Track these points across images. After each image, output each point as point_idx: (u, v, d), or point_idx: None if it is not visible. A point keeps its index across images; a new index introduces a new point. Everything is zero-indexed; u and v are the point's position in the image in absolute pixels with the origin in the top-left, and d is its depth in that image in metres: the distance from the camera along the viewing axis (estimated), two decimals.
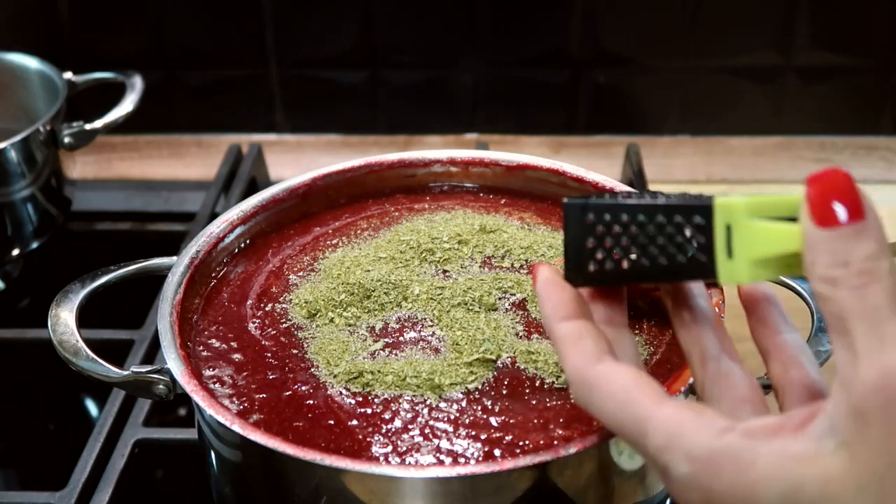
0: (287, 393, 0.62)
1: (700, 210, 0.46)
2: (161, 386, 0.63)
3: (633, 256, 0.49)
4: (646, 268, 0.48)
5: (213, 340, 0.67)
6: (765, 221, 0.45)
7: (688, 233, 0.47)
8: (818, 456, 0.42)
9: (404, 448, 0.57)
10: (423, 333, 0.65)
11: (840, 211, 0.42)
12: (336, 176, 0.80)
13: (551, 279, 0.51)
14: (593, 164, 1.12)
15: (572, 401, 0.57)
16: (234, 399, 0.62)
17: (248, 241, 0.76)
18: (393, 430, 0.58)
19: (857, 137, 1.22)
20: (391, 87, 1.25)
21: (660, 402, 0.45)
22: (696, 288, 0.53)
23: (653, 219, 0.48)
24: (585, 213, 0.50)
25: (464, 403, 0.60)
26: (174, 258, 0.71)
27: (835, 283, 0.41)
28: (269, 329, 0.67)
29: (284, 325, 0.67)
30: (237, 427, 0.57)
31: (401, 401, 0.60)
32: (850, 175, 0.43)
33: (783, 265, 0.45)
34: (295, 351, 0.65)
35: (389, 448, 0.57)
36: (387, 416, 0.59)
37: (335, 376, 0.62)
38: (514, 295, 0.67)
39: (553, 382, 0.60)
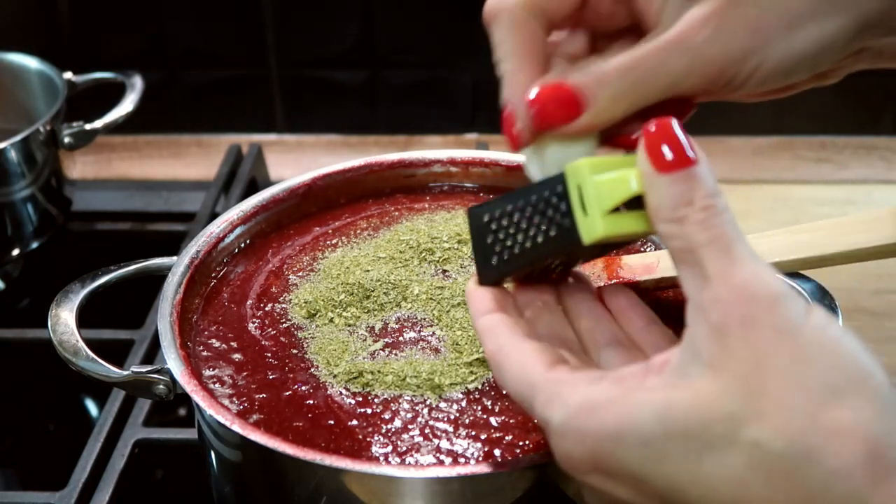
0: (287, 393, 0.62)
1: (558, 180, 0.50)
2: (161, 386, 0.63)
3: (520, 239, 0.52)
4: (531, 247, 0.52)
5: (213, 340, 0.67)
6: (606, 174, 0.48)
7: (553, 203, 0.50)
8: (685, 379, 0.44)
9: (404, 448, 0.57)
10: (422, 333, 0.65)
11: (673, 157, 0.46)
12: (336, 176, 0.80)
13: (471, 286, 0.55)
14: None
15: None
16: (234, 399, 0.62)
17: (248, 241, 0.76)
18: (393, 430, 0.59)
19: (857, 137, 1.22)
20: (391, 87, 1.25)
21: (549, 368, 0.48)
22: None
23: (529, 201, 0.52)
24: (482, 214, 0.54)
25: (464, 403, 0.60)
26: (174, 258, 0.71)
27: (682, 221, 0.45)
28: (269, 329, 0.67)
29: (284, 325, 0.67)
30: (237, 427, 0.57)
31: (401, 401, 0.60)
32: (677, 123, 0.47)
33: (633, 218, 0.48)
34: (295, 351, 0.65)
35: (389, 448, 0.57)
36: (387, 416, 0.59)
37: (335, 376, 0.62)
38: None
39: None
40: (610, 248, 0.55)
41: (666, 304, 0.66)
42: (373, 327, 0.66)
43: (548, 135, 0.52)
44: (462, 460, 0.56)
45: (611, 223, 0.48)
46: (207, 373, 0.64)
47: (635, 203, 0.48)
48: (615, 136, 0.53)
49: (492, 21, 0.55)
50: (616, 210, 0.48)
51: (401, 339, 0.65)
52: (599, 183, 0.48)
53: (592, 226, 0.48)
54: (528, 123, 0.52)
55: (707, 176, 0.46)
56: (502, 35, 0.54)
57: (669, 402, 0.44)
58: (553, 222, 0.51)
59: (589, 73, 0.51)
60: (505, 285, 0.56)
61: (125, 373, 0.64)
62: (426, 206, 0.78)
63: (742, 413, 0.42)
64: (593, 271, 0.67)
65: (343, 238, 0.75)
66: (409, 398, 0.60)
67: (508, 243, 0.53)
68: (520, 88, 0.53)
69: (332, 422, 0.59)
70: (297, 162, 1.23)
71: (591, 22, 0.57)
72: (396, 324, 0.66)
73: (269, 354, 0.65)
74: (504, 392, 0.60)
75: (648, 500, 0.45)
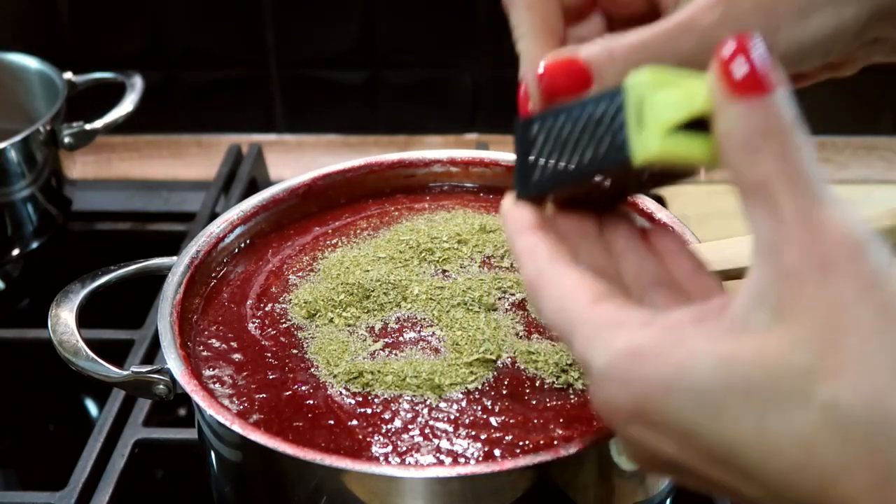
0: (287, 393, 0.62)
1: (617, 92, 0.47)
2: (161, 386, 0.63)
3: (567, 154, 0.49)
4: (578, 163, 0.48)
5: (213, 340, 0.67)
6: (671, 89, 0.45)
7: (609, 116, 0.47)
8: (748, 328, 0.40)
9: (404, 448, 0.57)
10: (422, 333, 0.65)
11: (753, 79, 0.41)
12: (336, 176, 0.80)
13: (507, 204, 0.51)
14: None
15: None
16: (234, 399, 0.62)
17: (248, 241, 0.76)
18: (393, 430, 0.59)
19: (857, 137, 1.22)
20: (391, 87, 1.25)
21: (593, 303, 0.45)
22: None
23: (583, 113, 0.48)
24: (531, 125, 0.51)
25: (464, 403, 0.60)
26: (174, 258, 0.71)
27: (756, 152, 0.41)
28: (269, 329, 0.67)
29: (284, 325, 0.67)
30: (237, 427, 0.57)
31: (401, 401, 0.60)
32: (762, 41, 0.42)
33: (696, 142, 0.44)
34: (295, 351, 0.65)
35: (389, 448, 0.57)
36: (387, 416, 0.59)
37: (335, 376, 0.62)
38: (514, 295, 0.67)
39: (553, 382, 0.60)
40: (663, 179, 0.51)
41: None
42: (373, 327, 0.66)
43: None
44: (462, 460, 0.56)
45: (668, 142, 0.44)
46: (207, 373, 0.64)
47: (700, 127, 0.43)
48: None
49: (510, 1, 0.54)
50: (678, 131, 0.44)
51: (401, 339, 0.65)
52: (661, 97, 0.44)
53: (647, 143, 0.44)
54: (538, 95, 0.51)
55: (787, 105, 0.41)
56: (520, 14, 0.54)
57: (732, 352, 0.40)
58: (605, 137, 0.47)
59: (599, 47, 0.50)
60: (546, 211, 0.52)
61: (125, 373, 0.64)
62: (426, 206, 0.78)
63: (817, 368, 0.38)
64: None
65: (343, 238, 0.75)
66: (409, 398, 0.60)
67: (554, 157, 0.49)
68: (535, 65, 0.52)
69: (332, 422, 0.59)
70: (297, 162, 1.23)
71: (608, 7, 0.56)
72: (396, 324, 0.66)
73: (269, 354, 0.65)
74: (504, 391, 0.60)
75: (695, 456, 0.42)
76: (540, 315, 0.48)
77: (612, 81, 0.49)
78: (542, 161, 0.50)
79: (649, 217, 0.71)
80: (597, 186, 0.50)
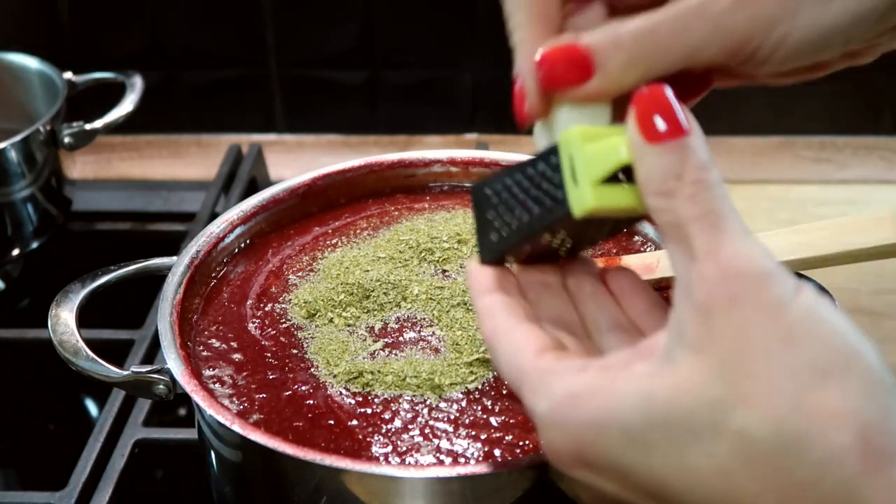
0: (287, 393, 0.62)
1: (553, 150, 0.48)
2: (161, 386, 0.63)
3: (517, 213, 0.50)
4: (528, 221, 0.50)
5: (213, 340, 0.67)
6: (597, 143, 0.46)
7: (548, 174, 0.48)
8: (669, 366, 0.42)
9: (404, 448, 0.57)
10: (422, 333, 0.65)
11: (664, 127, 0.43)
12: (336, 176, 0.80)
13: (472, 265, 0.53)
14: None
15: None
16: (234, 399, 0.62)
17: (248, 241, 0.76)
18: (393, 430, 0.59)
19: (857, 137, 1.22)
20: (391, 87, 1.25)
21: (537, 355, 0.46)
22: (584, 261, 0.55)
23: (526, 174, 0.50)
24: (483, 188, 0.52)
25: (464, 403, 0.60)
26: (174, 258, 0.71)
27: (670, 195, 0.43)
28: (269, 329, 0.67)
29: (284, 325, 0.67)
30: (237, 427, 0.57)
31: (401, 401, 0.60)
32: (670, 91, 0.44)
33: (627, 192, 0.46)
34: (295, 351, 0.65)
35: (389, 448, 0.57)
36: (387, 416, 0.59)
37: (335, 376, 0.62)
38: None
39: None
40: (611, 227, 0.53)
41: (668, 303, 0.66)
42: (372, 327, 0.66)
43: (557, 106, 0.50)
44: (462, 460, 0.56)
45: (601, 194, 0.46)
46: (207, 373, 0.64)
47: (631, 176, 0.46)
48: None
49: None
50: (612, 182, 0.46)
51: (401, 339, 0.65)
52: (589, 151, 0.46)
53: (582, 196, 0.46)
54: (534, 87, 0.50)
55: (699, 147, 0.43)
56: (514, 3, 0.52)
57: (652, 389, 0.42)
58: (548, 194, 0.48)
59: (603, 34, 0.49)
60: (509, 266, 0.54)
61: (125, 373, 0.64)
62: (426, 206, 0.78)
63: (726, 398, 0.40)
64: None
65: (343, 238, 0.75)
66: (409, 398, 0.60)
67: (507, 218, 0.51)
68: (531, 57, 0.50)
69: (332, 422, 0.59)
70: (297, 162, 1.23)
71: None
72: (396, 324, 0.66)
73: (269, 354, 0.65)
74: (504, 391, 0.60)
75: (636, 494, 0.43)
76: (497, 370, 0.50)
77: (616, 71, 0.48)
78: (497, 223, 0.52)
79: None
80: (551, 241, 0.51)
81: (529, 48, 0.51)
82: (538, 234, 0.50)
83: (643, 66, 0.49)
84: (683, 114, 0.44)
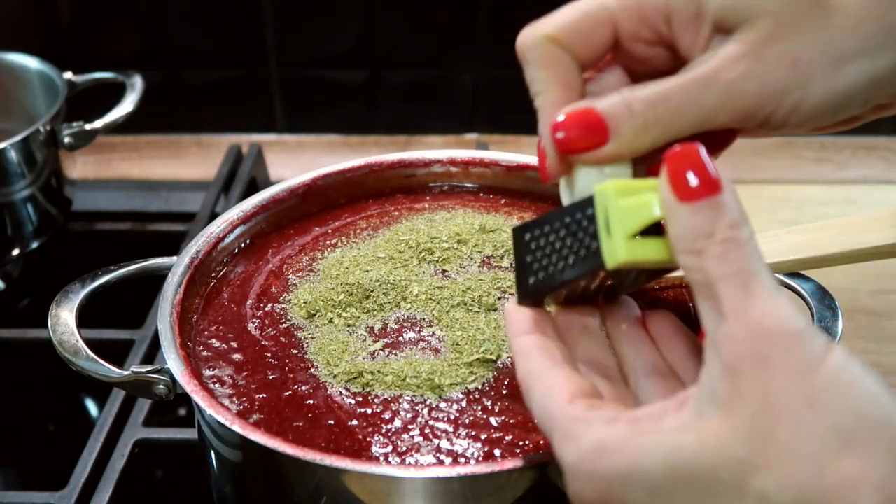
0: (287, 393, 0.62)
1: (588, 202, 0.49)
2: (161, 386, 0.63)
3: (554, 260, 0.51)
4: (563, 268, 0.51)
5: (213, 340, 0.67)
6: (631, 198, 0.47)
7: (584, 225, 0.50)
8: (697, 422, 0.43)
9: (404, 448, 0.57)
10: (422, 334, 0.65)
11: (696, 186, 0.44)
12: (336, 176, 0.80)
13: (509, 306, 0.54)
14: None
15: None
16: (234, 399, 0.62)
17: (248, 241, 0.76)
18: (393, 430, 0.59)
19: (857, 137, 1.22)
20: (391, 87, 1.25)
21: (569, 402, 0.47)
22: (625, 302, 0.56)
23: (563, 222, 0.51)
24: (524, 233, 0.53)
25: (464, 403, 0.60)
26: (174, 258, 0.71)
27: (700, 254, 0.43)
28: (269, 329, 0.67)
29: (284, 326, 0.67)
30: (237, 427, 0.57)
31: (401, 401, 0.60)
32: (703, 149, 0.44)
33: (658, 245, 0.47)
34: (295, 351, 0.65)
35: (389, 448, 0.57)
36: (387, 416, 0.59)
37: (335, 376, 0.62)
38: (514, 295, 0.67)
39: None
40: (648, 275, 0.54)
41: (665, 305, 0.66)
42: (372, 328, 0.66)
43: (578, 164, 0.51)
44: (462, 460, 0.56)
45: (633, 248, 0.47)
46: (207, 373, 0.64)
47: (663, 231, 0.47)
48: (651, 166, 0.51)
49: (524, 57, 0.53)
50: (646, 235, 0.47)
51: (400, 339, 0.65)
52: (623, 206, 0.47)
53: (615, 249, 0.47)
54: (553, 154, 0.51)
55: (731, 205, 0.43)
56: (535, 71, 0.53)
57: (678, 445, 0.42)
58: (583, 244, 0.50)
59: (618, 100, 0.50)
60: (548, 308, 0.54)
61: (125, 373, 0.64)
62: (426, 206, 0.78)
63: (749, 460, 0.41)
64: None
65: (343, 238, 0.75)
66: (409, 398, 0.60)
67: (545, 262, 0.52)
68: (550, 122, 0.51)
69: (332, 422, 0.59)
70: (297, 162, 1.23)
71: (628, 64, 0.55)
72: (396, 324, 0.66)
73: (269, 354, 0.65)
74: (504, 391, 0.60)
75: None
76: (530, 411, 0.50)
77: (630, 136, 0.49)
78: (535, 266, 0.53)
79: None
80: (587, 286, 0.52)
81: (549, 112, 0.52)
82: (573, 281, 0.51)
83: (657, 131, 0.49)
84: (715, 171, 0.44)
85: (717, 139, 0.52)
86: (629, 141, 0.50)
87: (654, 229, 0.47)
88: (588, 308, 0.54)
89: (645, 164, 0.52)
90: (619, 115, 0.49)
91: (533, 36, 0.53)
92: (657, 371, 0.51)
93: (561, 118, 0.50)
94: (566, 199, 0.53)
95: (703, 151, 0.44)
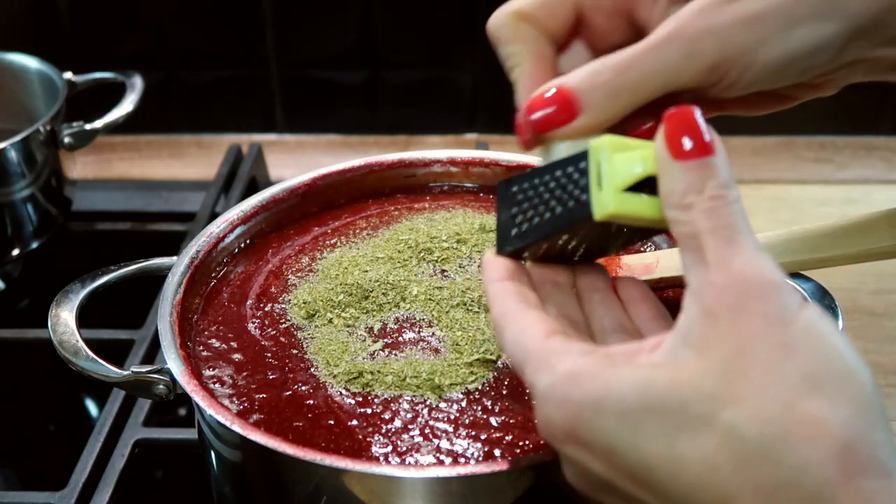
0: (287, 393, 0.62)
1: (582, 156, 0.50)
2: (161, 386, 0.63)
3: (540, 211, 0.53)
4: (548, 220, 0.52)
5: (213, 340, 0.67)
6: (625, 153, 0.49)
7: (574, 178, 0.51)
8: (671, 360, 0.44)
9: (404, 448, 0.57)
10: (422, 334, 0.65)
11: (691, 145, 0.46)
12: (336, 176, 0.80)
13: (488, 255, 0.55)
14: None
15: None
16: (234, 399, 0.62)
17: (248, 241, 0.76)
18: (393, 430, 0.59)
19: (857, 137, 1.22)
20: (391, 87, 1.25)
21: (545, 337, 0.48)
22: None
23: (553, 175, 0.52)
24: (509, 186, 0.55)
25: (464, 403, 0.60)
26: (174, 258, 0.71)
27: (689, 208, 0.45)
28: (269, 329, 0.67)
29: (284, 326, 0.67)
30: (237, 427, 0.57)
31: (401, 401, 0.60)
32: (699, 111, 0.47)
33: (648, 202, 0.48)
34: (295, 351, 0.65)
35: (389, 448, 0.57)
36: (387, 416, 0.59)
37: (335, 376, 0.62)
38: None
39: None
40: (629, 235, 0.55)
41: (665, 305, 0.66)
42: (372, 328, 0.66)
43: (553, 136, 0.53)
44: (462, 460, 0.56)
45: (622, 201, 0.48)
46: (207, 373, 0.64)
47: (654, 188, 0.48)
48: (626, 131, 0.53)
49: (496, 36, 0.56)
50: (635, 191, 0.48)
51: (400, 339, 0.65)
52: (616, 159, 0.48)
53: (604, 201, 0.48)
54: (528, 128, 0.53)
55: (721, 166, 0.46)
56: (508, 47, 0.56)
57: (651, 378, 0.44)
58: (571, 196, 0.51)
59: (584, 73, 0.52)
60: (525, 263, 0.56)
61: (125, 373, 0.64)
62: (426, 206, 0.78)
63: (720, 395, 0.42)
64: None
65: (342, 238, 0.75)
66: (409, 398, 0.60)
67: (529, 214, 0.53)
68: (527, 94, 0.54)
69: (332, 422, 0.59)
70: (297, 162, 1.23)
71: (590, 38, 0.57)
72: (395, 324, 0.66)
73: (269, 354, 0.65)
74: (504, 391, 0.60)
75: (620, 475, 0.45)
76: (502, 350, 0.52)
77: (600, 106, 0.51)
78: (518, 219, 0.54)
79: None
80: (568, 243, 0.53)
81: (528, 86, 0.55)
82: (558, 233, 0.52)
83: (625, 97, 0.52)
84: (710, 134, 0.46)
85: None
86: (600, 112, 0.52)
87: (644, 188, 0.48)
88: (562, 267, 0.56)
89: (620, 128, 0.54)
90: (587, 87, 0.52)
91: (502, 15, 0.56)
92: (623, 328, 0.53)
93: (532, 99, 0.53)
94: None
95: (699, 114, 0.47)
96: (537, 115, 0.52)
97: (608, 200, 0.48)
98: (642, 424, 0.43)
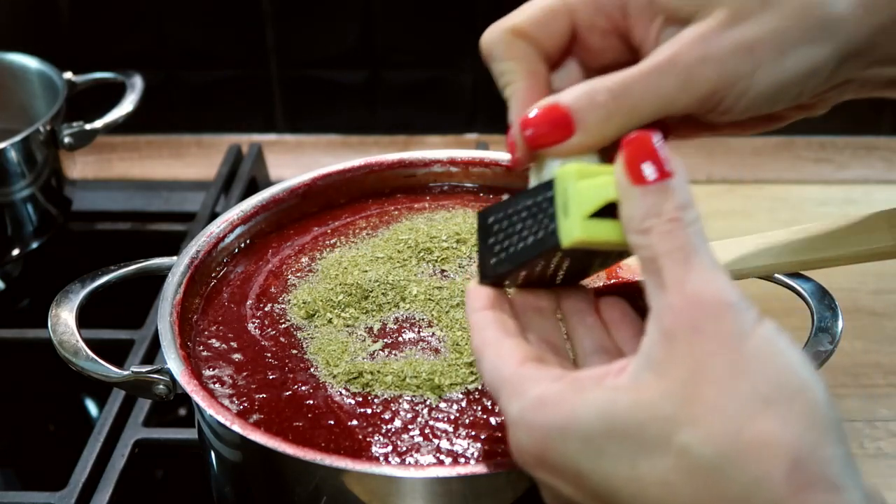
0: (287, 393, 0.62)
1: (549, 185, 0.51)
2: (161, 386, 0.63)
3: (515, 241, 0.53)
4: (524, 248, 0.53)
5: (213, 340, 0.67)
6: (590, 180, 0.49)
7: (543, 206, 0.52)
8: (633, 383, 0.45)
9: (404, 448, 0.57)
10: (422, 334, 0.65)
11: (649, 170, 0.46)
12: (336, 176, 0.80)
13: (471, 285, 0.56)
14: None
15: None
16: (234, 399, 0.62)
17: (248, 241, 0.76)
18: (393, 430, 0.59)
19: (857, 137, 1.22)
20: (391, 87, 1.25)
21: (519, 364, 0.49)
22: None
23: (525, 205, 0.53)
24: (488, 216, 0.55)
25: (464, 403, 0.60)
26: (174, 258, 0.71)
27: (648, 232, 0.46)
28: (269, 329, 0.67)
29: (284, 326, 0.67)
30: (237, 427, 0.57)
31: (401, 401, 0.60)
32: (657, 137, 0.47)
33: (613, 227, 0.49)
34: (294, 351, 0.65)
35: (389, 448, 0.57)
36: (387, 416, 0.59)
37: (335, 376, 0.62)
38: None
39: None
40: (602, 259, 0.56)
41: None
42: (371, 328, 0.66)
43: (546, 154, 0.53)
44: (462, 460, 0.56)
45: (588, 228, 0.49)
46: (207, 373, 0.64)
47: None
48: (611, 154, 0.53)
49: (490, 53, 0.57)
50: (601, 216, 0.49)
51: (400, 339, 0.65)
52: (580, 187, 0.49)
53: (571, 229, 0.49)
54: (523, 147, 0.54)
55: (680, 189, 0.46)
56: (501, 64, 0.56)
57: (613, 402, 0.45)
58: (542, 225, 0.52)
59: (581, 92, 0.52)
60: (508, 290, 0.56)
61: (125, 373, 0.64)
62: (426, 206, 0.78)
63: (676, 417, 0.43)
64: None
65: (342, 238, 0.75)
66: (409, 398, 0.60)
67: (506, 244, 0.54)
68: (520, 111, 0.54)
69: (332, 422, 0.59)
70: (297, 162, 1.23)
71: (584, 57, 0.57)
72: (395, 324, 0.66)
73: (269, 354, 0.65)
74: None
75: (588, 498, 0.46)
76: (482, 378, 0.52)
77: (595, 127, 0.52)
78: (496, 248, 0.55)
79: None
80: (546, 268, 0.54)
81: (519, 100, 0.55)
82: (532, 261, 0.53)
83: (620, 119, 0.52)
84: (669, 158, 0.47)
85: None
86: (595, 132, 0.52)
87: (610, 214, 0.49)
88: (544, 292, 0.57)
89: (613, 153, 0.54)
90: (583, 107, 0.52)
91: (497, 31, 0.56)
92: (604, 349, 0.54)
93: (528, 115, 0.53)
94: (534, 184, 0.55)
95: (657, 139, 0.47)
96: (531, 131, 0.53)
97: (574, 228, 0.49)
98: (605, 448, 0.44)
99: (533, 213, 0.52)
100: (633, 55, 0.56)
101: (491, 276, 0.55)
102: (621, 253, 0.52)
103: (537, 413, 0.46)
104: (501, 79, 0.56)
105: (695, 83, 0.51)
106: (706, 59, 0.51)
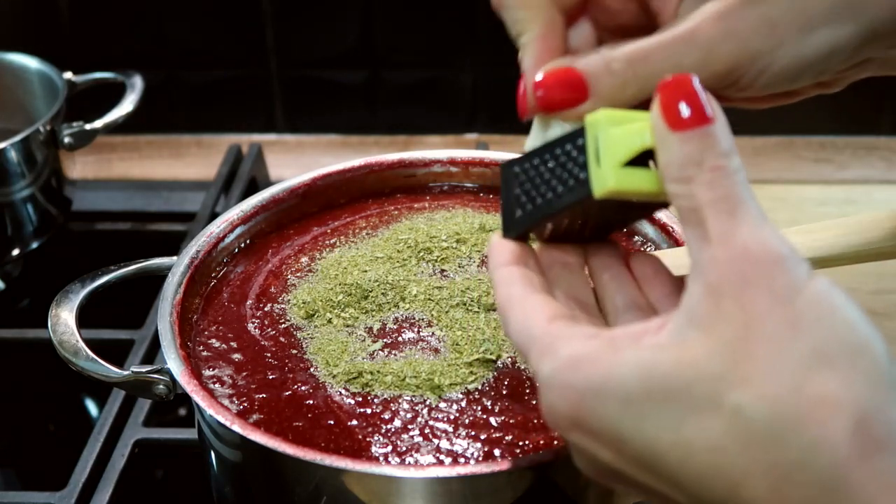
0: (287, 393, 0.62)
1: (580, 132, 0.49)
2: (161, 386, 0.63)
3: (542, 191, 0.51)
4: (551, 199, 0.51)
5: (213, 340, 0.67)
6: (623, 126, 0.47)
7: (573, 155, 0.50)
8: (675, 341, 0.43)
9: (404, 448, 0.57)
10: (422, 334, 0.65)
11: (689, 114, 0.44)
12: (336, 176, 0.80)
13: (494, 238, 0.54)
14: None
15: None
16: (234, 399, 0.62)
17: (248, 241, 0.76)
18: (393, 430, 0.59)
19: (857, 137, 1.22)
20: (391, 87, 1.25)
21: (549, 321, 0.47)
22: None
23: (553, 153, 0.51)
24: (513, 166, 0.53)
25: (464, 403, 0.60)
26: (174, 258, 0.71)
27: (689, 181, 0.44)
28: (269, 329, 0.67)
29: (283, 326, 0.67)
30: (237, 427, 0.57)
31: (400, 401, 0.60)
32: (696, 79, 0.45)
33: (649, 176, 0.47)
34: (294, 351, 0.65)
35: (389, 448, 0.57)
36: (386, 416, 0.59)
37: (334, 376, 0.62)
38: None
39: None
40: (636, 210, 0.53)
41: None
42: (371, 328, 0.66)
43: (555, 116, 0.52)
44: (462, 460, 0.56)
45: (623, 176, 0.47)
46: (207, 373, 0.64)
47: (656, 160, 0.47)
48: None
49: (501, 3, 0.55)
50: (634, 165, 0.47)
51: (399, 339, 0.65)
52: (613, 134, 0.47)
53: (604, 177, 0.47)
54: (532, 102, 0.52)
55: (721, 135, 0.44)
56: (516, 12, 0.54)
57: (654, 361, 0.42)
58: (572, 174, 0.49)
59: (598, 58, 0.51)
60: (532, 244, 0.54)
61: (125, 373, 0.64)
62: (426, 205, 0.78)
63: (727, 376, 0.41)
64: None
65: (341, 238, 0.75)
66: (408, 398, 0.60)
67: (532, 194, 0.52)
68: (539, 64, 0.53)
69: (332, 422, 0.59)
70: (297, 162, 1.23)
71: (599, 16, 0.56)
72: (395, 324, 0.66)
73: (269, 354, 0.65)
74: (504, 391, 0.60)
75: (629, 464, 0.44)
76: (508, 336, 0.50)
77: (609, 94, 0.50)
78: (522, 199, 0.52)
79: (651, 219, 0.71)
80: (574, 221, 0.52)
81: (537, 54, 0.53)
82: (560, 212, 0.51)
83: (634, 88, 0.51)
84: (708, 102, 0.45)
85: None
86: (607, 99, 0.51)
87: (643, 162, 0.47)
88: (571, 247, 0.54)
89: None
90: (599, 73, 0.51)
91: None
92: (637, 306, 0.51)
93: (541, 77, 0.52)
94: (534, 140, 0.54)
95: (696, 81, 0.45)
96: (542, 93, 0.51)
97: (607, 177, 0.47)
98: (647, 410, 0.42)
99: (562, 162, 0.50)
100: (649, 20, 0.54)
101: (516, 229, 0.53)
102: (656, 204, 0.50)
103: (571, 373, 0.44)
104: (515, 27, 0.54)
105: (715, 59, 0.50)
106: (728, 35, 0.50)
